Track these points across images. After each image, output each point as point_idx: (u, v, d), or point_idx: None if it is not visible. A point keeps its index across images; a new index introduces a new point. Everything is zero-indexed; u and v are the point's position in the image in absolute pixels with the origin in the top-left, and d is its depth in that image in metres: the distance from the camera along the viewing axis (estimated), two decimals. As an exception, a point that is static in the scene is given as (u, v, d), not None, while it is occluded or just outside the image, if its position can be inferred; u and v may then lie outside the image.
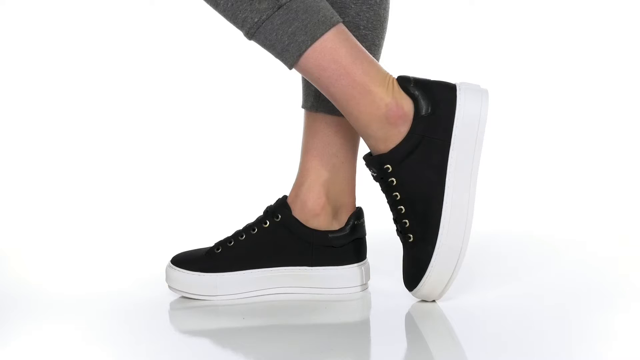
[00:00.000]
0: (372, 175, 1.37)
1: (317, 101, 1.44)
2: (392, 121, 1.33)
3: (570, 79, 2.55)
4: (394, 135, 1.34)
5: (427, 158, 1.33)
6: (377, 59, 1.46)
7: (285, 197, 1.46)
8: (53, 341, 1.30)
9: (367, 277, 1.46)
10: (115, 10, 2.59)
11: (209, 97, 2.51)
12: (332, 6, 1.42)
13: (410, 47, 2.52)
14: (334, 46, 1.31)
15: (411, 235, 1.35)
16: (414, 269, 1.36)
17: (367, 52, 1.34)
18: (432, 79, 1.36)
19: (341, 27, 1.32)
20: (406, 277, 1.38)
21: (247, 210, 1.56)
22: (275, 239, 1.43)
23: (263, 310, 1.38)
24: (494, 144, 2.39)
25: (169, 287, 1.45)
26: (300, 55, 1.31)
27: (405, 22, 2.36)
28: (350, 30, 1.41)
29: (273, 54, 1.33)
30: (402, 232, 1.37)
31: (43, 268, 1.66)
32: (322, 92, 1.35)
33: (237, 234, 1.45)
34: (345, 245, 1.44)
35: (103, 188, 2.22)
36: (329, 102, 1.41)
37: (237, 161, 2.31)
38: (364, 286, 1.46)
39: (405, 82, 1.34)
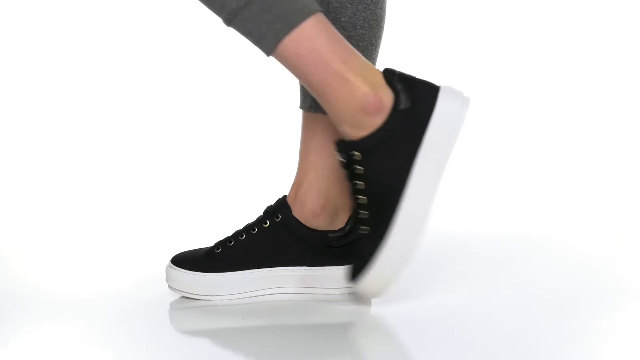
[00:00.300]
0: (341, 162, 1.36)
1: (315, 102, 1.44)
2: (368, 110, 1.32)
3: (565, 79, 2.55)
4: (368, 124, 1.32)
5: (396, 152, 1.32)
6: (375, 59, 1.46)
7: (285, 197, 1.46)
8: (53, 341, 1.30)
9: None
10: (116, 10, 2.59)
11: (208, 97, 2.51)
12: (328, 6, 1.42)
13: (409, 47, 2.53)
14: (313, 34, 1.30)
15: (367, 228, 1.34)
16: (359, 261, 1.34)
17: (346, 41, 1.33)
18: (418, 77, 1.36)
19: (320, 15, 1.31)
20: (349, 268, 1.36)
21: (247, 210, 1.55)
22: (276, 239, 1.43)
23: (263, 310, 1.38)
24: (493, 144, 2.39)
25: (169, 287, 1.45)
26: (278, 42, 1.29)
27: (403, 21, 2.36)
28: (347, 30, 1.42)
29: (251, 40, 1.32)
30: (358, 222, 1.35)
31: (43, 268, 1.65)
32: (299, 80, 1.34)
33: (237, 234, 1.45)
34: (345, 245, 1.44)
35: (103, 188, 2.22)
36: (279, 23, 1.38)
37: (236, 161, 2.31)
38: None
39: (389, 75, 1.34)
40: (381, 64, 1.50)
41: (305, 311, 1.38)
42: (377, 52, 1.47)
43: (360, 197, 1.34)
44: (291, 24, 1.29)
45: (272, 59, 1.33)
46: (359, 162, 1.33)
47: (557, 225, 1.88)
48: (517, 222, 1.91)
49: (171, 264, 1.45)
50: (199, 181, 2.24)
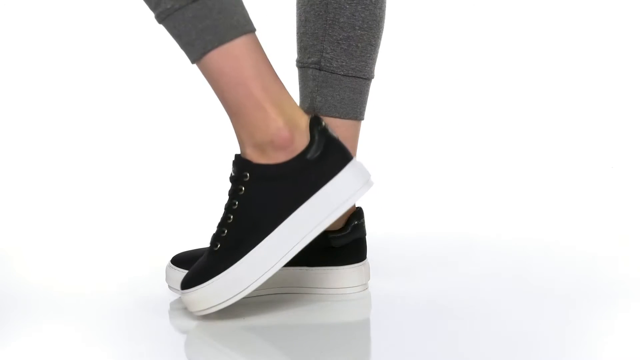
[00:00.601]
0: (230, 175, 1.35)
1: (312, 105, 1.44)
2: (276, 144, 1.31)
3: (566, 80, 2.55)
4: (271, 155, 1.32)
5: (281, 195, 1.31)
6: (374, 59, 1.46)
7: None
8: (53, 341, 1.30)
9: (367, 277, 1.46)
10: (115, 10, 2.59)
11: (208, 98, 2.51)
12: (327, 7, 1.42)
13: (408, 47, 2.53)
14: (240, 54, 1.29)
15: (219, 244, 1.32)
16: (196, 274, 1.32)
17: (273, 69, 1.32)
18: (339, 139, 1.34)
19: (253, 36, 1.30)
20: (186, 275, 1.34)
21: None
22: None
23: (263, 311, 1.37)
24: (494, 144, 2.39)
25: (169, 287, 1.44)
26: (204, 53, 1.29)
27: (403, 22, 2.36)
28: (346, 31, 1.42)
29: (178, 43, 1.31)
30: (214, 236, 1.34)
31: (43, 268, 1.65)
32: (215, 92, 1.33)
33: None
34: (346, 245, 1.44)
35: (103, 188, 2.22)
36: (328, 104, 1.41)
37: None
38: (364, 286, 1.45)
39: (314, 122, 1.33)
40: (381, 64, 1.50)
41: (305, 311, 1.38)
42: (377, 52, 1.47)
43: (229, 214, 1.33)
44: (221, 39, 1.28)
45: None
46: (245, 184, 1.32)
47: (557, 225, 1.88)
48: (517, 221, 1.91)
49: (171, 265, 1.44)
50: (198, 180, 2.24)
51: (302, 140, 1.32)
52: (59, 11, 2.59)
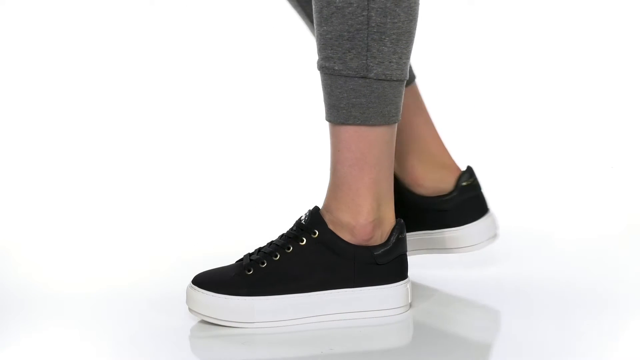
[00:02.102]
0: (299, 219, 1.35)
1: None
2: (355, 234, 1.32)
3: (563, 78, 2.55)
4: (344, 232, 1.33)
5: (333, 268, 1.32)
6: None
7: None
8: (53, 341, 1.30)
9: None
10: (115, 10, 2.59)
11: (215, 101, 2.51)
12: None
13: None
14: (373, 140, 1.31)
15: (252, 271, 1.32)
16: (216, 281, 1.32)
17: (393, 167, 1.34)
18: (406, 262, 1.35)
19: (393, 128, 1.31)
20: (206, 273, 1.35)
21: (262, 219, 1.53)
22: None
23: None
24: (494, 144, 2.39)
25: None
26: (343, 124, 1.30)
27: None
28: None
29: (325, 97, 1.32)
30: (253, 262, 1.33)
31: (43, 268, 1.65)
32: (330, 157, 1.33)
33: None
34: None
35: (104, 187, 2.22)
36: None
37: (252, 165, 2.30)
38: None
39: (399, 228, 1.34)
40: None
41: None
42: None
43: (277, 252, 1.32)
44: (366, 121, 1.29)
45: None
46: (309, 238, 1.32)
47: (557, 225, 1.88)
48: (517, 221, 1.91)
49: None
50: (199, 181, 2.24)
51: (379, 236, 1.33)
52: (59, 11, 2.59)
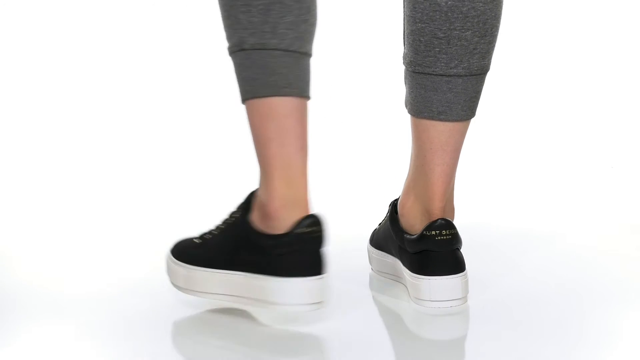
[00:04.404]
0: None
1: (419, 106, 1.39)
2: (263, 211, 1.29)
3: (564, 76, 2.55)
4: (257, 214, 1.31)
5: (248, 250, 1.30)
6: (452, 53, 1.36)
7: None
8: (53, 341, 1.30)
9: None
10: (116, 10, 2.59)
11: (205, 98, 2.51)
12: (404, 2, 1.37)
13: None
14: (267, 113, 1.28)
15: (200, 241, 1.37)
16: (183, 250, 1.38)
17: (302, 141, 1.29)
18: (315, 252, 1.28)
19: (291, 101, 1.27)
20: (181, 242, 1.39)
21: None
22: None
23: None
24: (494, 144, 2.39)
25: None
26: (243, 101, 1.30)
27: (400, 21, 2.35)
28: (410, 24, 1.36)
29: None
30: (206, 232, 1.38)
31: (43, 268, 1.65)
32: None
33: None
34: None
35: (102, 186, 2.22)
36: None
37: (252, 165, 2.31)
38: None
39: (304, 221, 1.27)
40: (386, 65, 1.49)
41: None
42: (456, 45, 1.35)
43: (221, 225, 1.35)
44: (255, 93, 1.28)
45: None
46: (239, 216, 1.33)
47: (557, 225, 1.88)
48: (517, 221, 1.91)
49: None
50: (196, 178, 2.24)
51: (285, 223, 1.27)
52: (59, 11, 2.59)
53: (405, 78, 1.41)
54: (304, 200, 1.29)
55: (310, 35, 1.29)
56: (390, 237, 1.44)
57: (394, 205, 1.47)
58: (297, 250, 1.26)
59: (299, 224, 1.27)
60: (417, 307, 1.36)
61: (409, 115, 1.41)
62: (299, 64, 1.28)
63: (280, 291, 1.26)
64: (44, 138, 2.43)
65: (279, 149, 1.28)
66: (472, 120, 1.40)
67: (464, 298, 1.35)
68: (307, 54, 1.29)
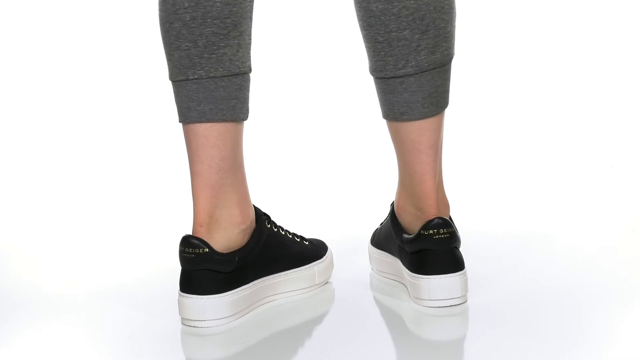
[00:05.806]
0: None
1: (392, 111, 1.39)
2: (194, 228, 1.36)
3: (563, 77, 2.55)
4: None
5: None
6: (447, 44, 1.37)
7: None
8: (53, 341, 1.30)
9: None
10: (115, 10, 2.59)
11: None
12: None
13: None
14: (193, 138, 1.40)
15: None
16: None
17: (234, 171, 1.37)
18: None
19: (214, 126, 1.36)
20: None
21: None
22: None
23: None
24: (494, 144, 2.39)
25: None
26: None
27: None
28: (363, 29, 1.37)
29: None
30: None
31: (43, 268, 1.65)
32: None
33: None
34: (415, 252, 1.36)
35: (102, 187, 2.22)
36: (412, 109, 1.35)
37: (252, 165, 2.30)
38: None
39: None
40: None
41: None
42: (446, 40, 1.36)
43: None
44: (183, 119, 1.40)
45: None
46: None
47: (557, 225, 1.88)
48: (517, 222, 1.91)
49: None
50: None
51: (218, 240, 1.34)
52: (59, 11, 2.59)
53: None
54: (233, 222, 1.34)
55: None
56: (391, 236, 1.44)
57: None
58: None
59: None
60: (417, 307, 1.36)
61: None
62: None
63: None
64: (44, 139, 2.43)
65: (209, 172, 1.35)
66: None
67: (464, 296, 1.35)
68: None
